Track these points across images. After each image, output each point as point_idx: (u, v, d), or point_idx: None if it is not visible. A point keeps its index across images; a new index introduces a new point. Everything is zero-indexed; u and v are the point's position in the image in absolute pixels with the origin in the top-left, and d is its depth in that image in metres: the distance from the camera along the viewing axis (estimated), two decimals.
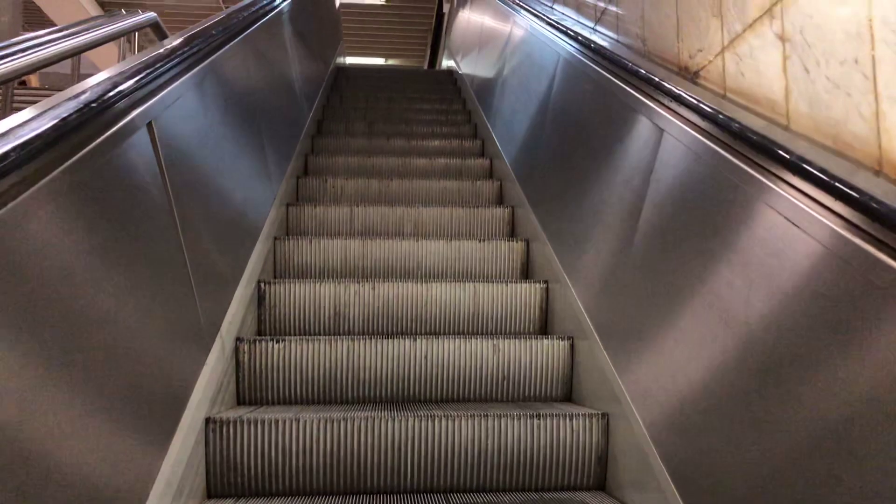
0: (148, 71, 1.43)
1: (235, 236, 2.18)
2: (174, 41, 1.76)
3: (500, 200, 3.62)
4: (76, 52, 2.74)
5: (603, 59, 2.17)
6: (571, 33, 2.53)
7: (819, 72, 1.16)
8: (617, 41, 2.21)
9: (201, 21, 2.12)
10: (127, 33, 3.81)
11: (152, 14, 3.69)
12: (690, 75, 1.67)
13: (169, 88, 1.58)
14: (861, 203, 0.96)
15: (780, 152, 1.16)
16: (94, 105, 1.14)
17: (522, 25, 3.54)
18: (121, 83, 1.29)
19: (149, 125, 1.42)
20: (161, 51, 1.60)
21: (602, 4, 2.41)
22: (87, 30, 2.85)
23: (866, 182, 0.99)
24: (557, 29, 2.75)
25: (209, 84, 1.99)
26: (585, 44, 2.37)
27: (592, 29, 2.49)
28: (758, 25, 1.37)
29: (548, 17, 2.93)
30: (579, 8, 2.74)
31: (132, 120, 1.34)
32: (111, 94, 1.23)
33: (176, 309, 1.53)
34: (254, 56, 2.67)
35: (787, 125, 1.24)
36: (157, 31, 3.88)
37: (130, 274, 1.27)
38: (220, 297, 1.95)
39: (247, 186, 2.38)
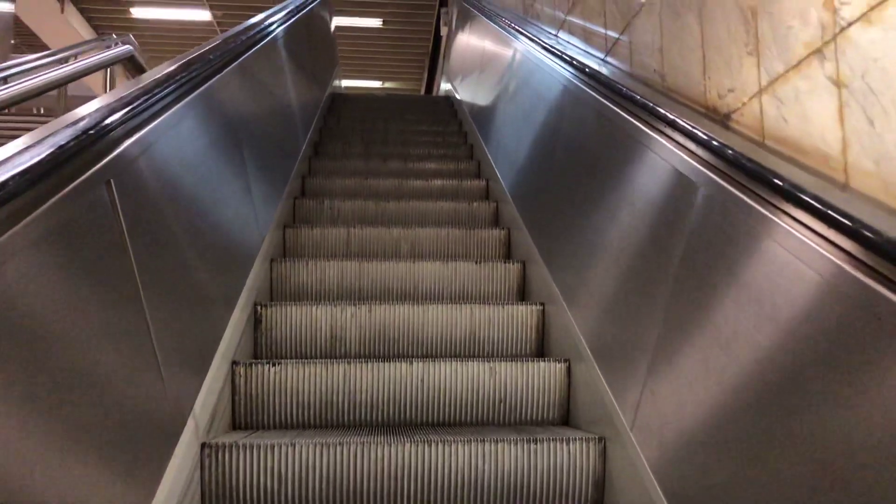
0: (106, 123, 1.27)
1: (226, 267, 2.15)
2: (143, 81, 1.59)
3: (496, 222, 3.63)
4: (44, 91, 2.76)
5: (617, 96, 1.99)
6: (577, 64, 2.42)
7: (888, 124, 1.01)
8: (631, 74, 2.09)
9: (180, 56, 1.95)
10: (100, 68, 3.78)
11: (128, 47, 3.68)
12: (720, 118, 1.52)
13: (134, 138, 1.42)
14: None
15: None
16: (30, 170, 0.97)
17: (524, 53, 3.48)
18: (67, 142, 1.10)
19: (107, 184, 1.26)
20: (124, 96, 1.43)
21: (613, 34, 2.29)
22: (51, 66, 2.87)
23: None
24: (562, 59, 2.63)
25: (189, 124, 1.86)
26: (594, 76, 2.23)
27: (602, 60, 2.37)
28: (805, 67, 1.21)
29: (552, 47, 2.81)
30: (588, 38, 2.61)
31: (84, 182, 1.17)
32: (50, 155, 1.04)
33: (135, 392, 1.32)
34: (243, 86, 2.62)
35: (845, 182, 1.10)
36: (133, 64, 3.87)
37: (71, 361, 1.09)
38: (194, 368, 1.74)
39: (238, 216, 2.35)
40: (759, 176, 1.20)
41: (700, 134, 1.45)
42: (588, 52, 2.56)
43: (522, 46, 3.49)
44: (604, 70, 2.21)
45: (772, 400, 1.11)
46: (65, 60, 4.45)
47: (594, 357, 1.96)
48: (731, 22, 1.50)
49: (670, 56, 1.81)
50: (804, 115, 1.22)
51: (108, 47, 5.50)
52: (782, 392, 1.08)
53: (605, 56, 2.35)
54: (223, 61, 2.25)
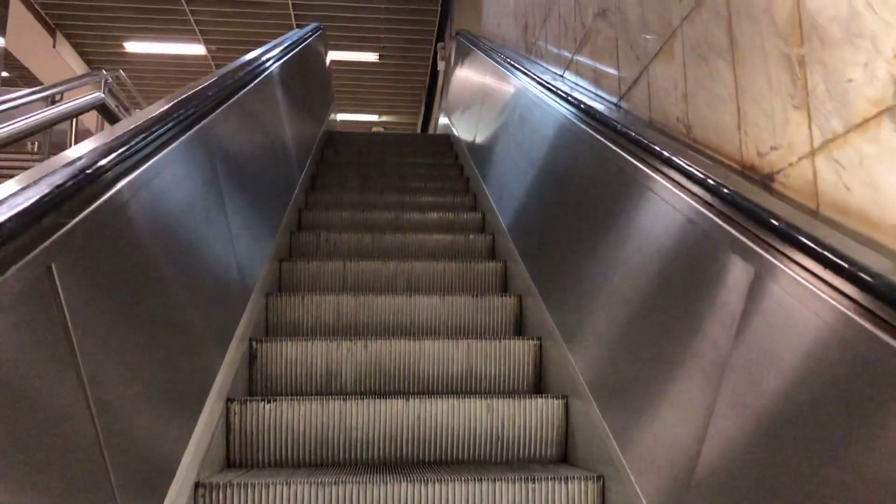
0: (47, 199, 1.06)
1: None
2: (108, 136, 1.42)
3: (492, 254, 3.64)
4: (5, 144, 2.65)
5: (632, 144, 1.82)
6: (586, 107, 2.26)
7: None
8: (650, 123, 1.93)
9: (152, 106, 1.80)
10: (68, 118, 3.53)
11: (98, 94, 3.50)
12: (761, 178, 1.37)
13: (83, 214, 1.20)
14: None
15: None
16: None
17: (525, 91, 3.39)
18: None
19: (48, 269, 1.07)
20: (74, 160, 1.22)
21: (628, 77, 2.13)
22: (34, 105, 2.77)
23: None
24: (569, 102, 2.48)
25: (167, 177, 1.69)
26: (604, 121, 2.07)
27: (615, 105, 2.23)
28: (872, 127, 1.06)
29: (557, 88, 2.67)
30: (598, 80, 2.47)
31: (18, 270, 0.98)
32: None
33: None
34: (230, 128, 2.51)
35: None
36: (105, 112, 3.62)
37: None
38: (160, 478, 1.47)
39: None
40: (833, 263, 0.99)
41: (739, 199, 1.27)
42: (598, 96, 2.44)
43: (524, 85, 3.44)
44: (617, 116, 2.08)
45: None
46: (51, 98, 4.35)
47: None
48: (772, 71, 1.34)
49: (696, 105, 1.66)
50: (873, 183, 1.06)
51: (99, 83, 5.43)
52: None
53: (619, 100, 2.23)
54: (203, 110, 2.07)
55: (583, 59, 2.76)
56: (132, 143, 1.46)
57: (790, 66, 1.29)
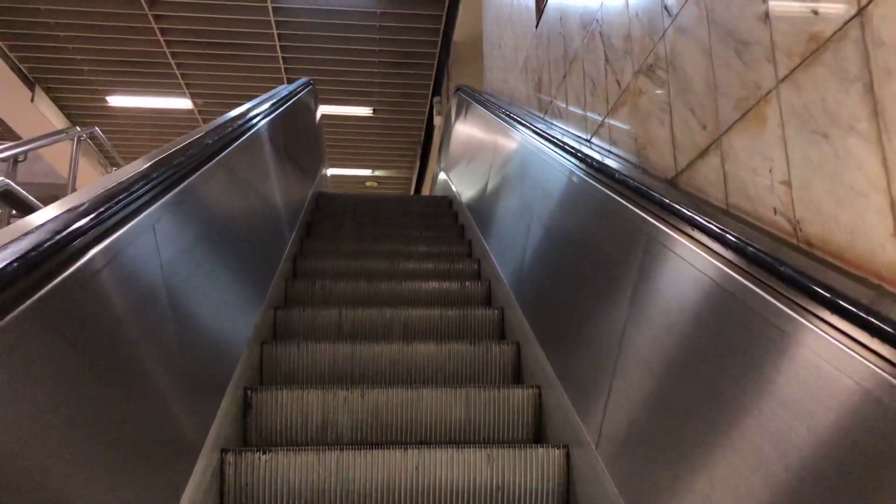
0: None
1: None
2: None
3: (488, 301, 3.62)
4: None
5: (716, 240, 1.34)
6: (621, 178, 1.91)
7: None
8: (727, 210, 1.52)
9: (101, 180, 1.55)
10: None
11: (2, 180, 3.05)
12: None
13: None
14: None
15: None
16: None
17: (527, 145, 3.18)
18: None
19: None
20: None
21: (687, 146, 1.70)
22: None
23: None
24: (610, 177, 2.04)
25: (141, 243, 1.53)
26: (660, 203, 1.60)
27: (669, 182, 1.83)
28: None
29: (587, 156, 2.27)
30: (641, 149, 2.03)
31: None
32: None
33: None
34: (218, 188, 2.39)
35: None
36: (10, 201, 3.07)
37: None
38: None
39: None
40: None
41: None
42: (640, 167, 2.08)
43: (526, 140, 3.28)
44: (680, 200, 1.59)
45: None
46: (14, 159, 3.92)
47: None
48: None
49: (810, 195, 1.27)
50: None
51: (73, 139, 5.26)
52: None
53: (675, 176, 1.83)
54: (166, 184, 1.80)
55: (618, 122, 2.38)
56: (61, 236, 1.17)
57: None
